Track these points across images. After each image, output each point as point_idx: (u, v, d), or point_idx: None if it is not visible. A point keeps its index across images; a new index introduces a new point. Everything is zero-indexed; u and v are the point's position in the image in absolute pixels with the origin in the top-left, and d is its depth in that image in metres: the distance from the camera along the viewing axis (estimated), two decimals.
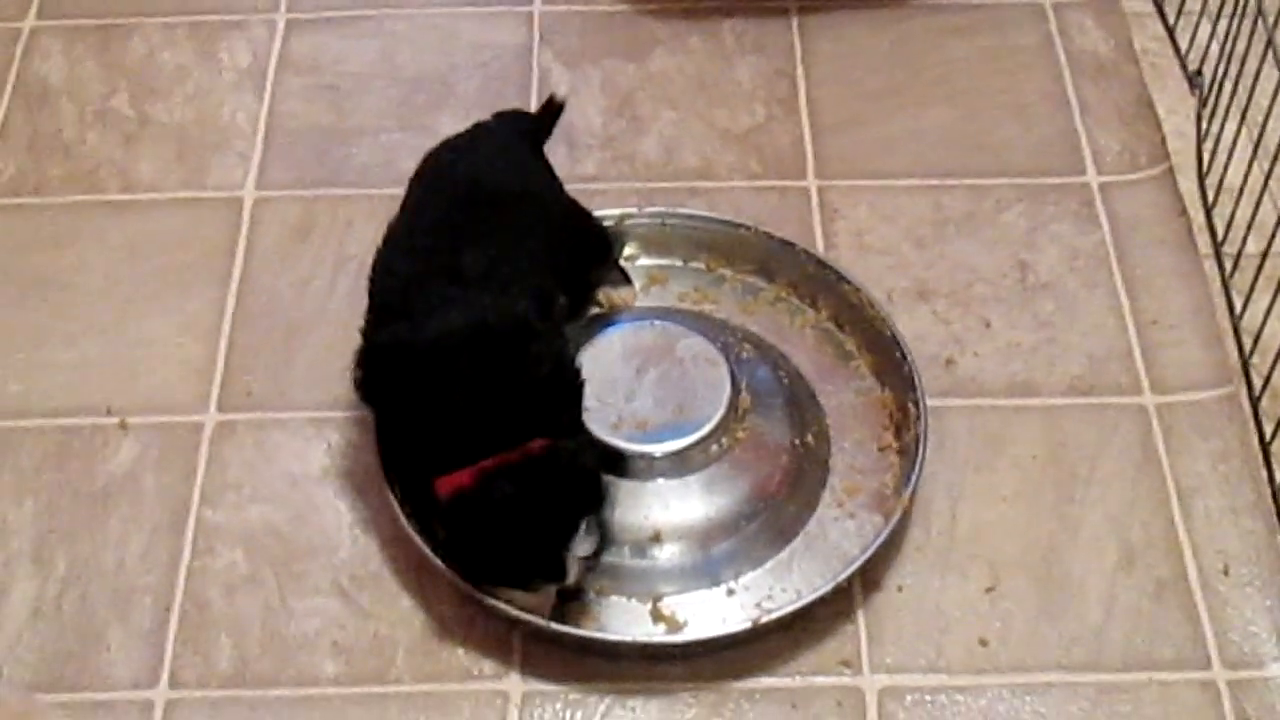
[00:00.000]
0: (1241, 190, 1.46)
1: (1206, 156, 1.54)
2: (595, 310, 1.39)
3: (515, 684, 1.22)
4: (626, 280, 1.41)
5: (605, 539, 1.19)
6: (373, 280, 1.28)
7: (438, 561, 1.22)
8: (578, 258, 1.36)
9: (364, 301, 1.28)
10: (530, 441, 1.16)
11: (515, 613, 1.20)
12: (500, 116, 1.40)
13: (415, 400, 1.20)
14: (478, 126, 1.38)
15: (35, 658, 1.23)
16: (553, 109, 1.40)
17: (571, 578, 1.18)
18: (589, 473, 1.19)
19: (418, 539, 1.23)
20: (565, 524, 1.16)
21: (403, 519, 1.24)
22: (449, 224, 1.27)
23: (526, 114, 1.40)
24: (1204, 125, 1.56)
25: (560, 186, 1.38)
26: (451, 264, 1.24)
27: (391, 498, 1.25)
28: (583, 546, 1.17)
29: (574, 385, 1.24)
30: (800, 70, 1.63)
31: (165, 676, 1.23)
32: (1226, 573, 1.28)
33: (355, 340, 1.26)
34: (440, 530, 1.20)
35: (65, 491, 1.32)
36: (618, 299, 1.39)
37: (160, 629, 1.25)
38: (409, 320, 1.22)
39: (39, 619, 1.25)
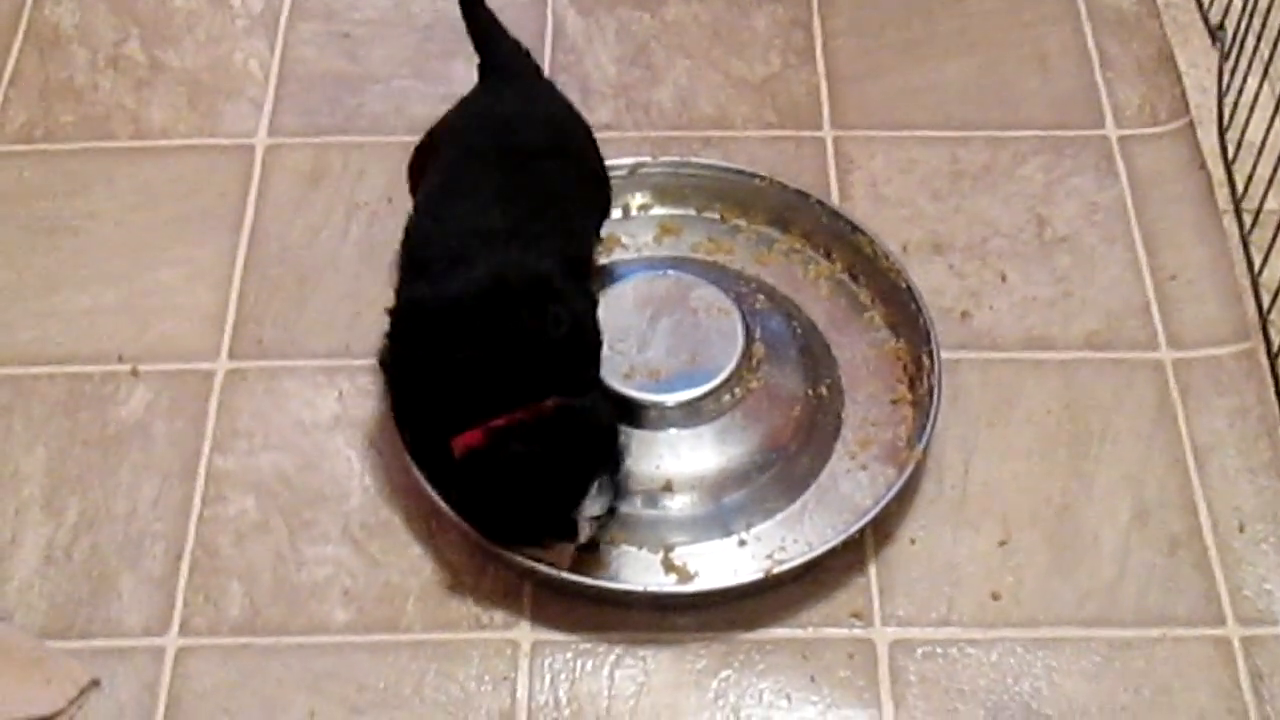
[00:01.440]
0: (1262, 145, 1.45)
1: (1227, 111, 1.52)
2: None
3: (526, 633, 1.22)
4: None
5: (619, 495, 1.19)
6: (404, 241, 1.27)
7: (449, 510, 1.21)
8: (596, 215, 1.35)
9: (374, 249, 1.27)
10: (543, 400, 1.15)
11: (527, 562, 1.20)
12: (493, 62, 1.35)
13: (431, 359, 1.19)
14: (486, 82, 1.35)
15: (46, 605, 1.23)
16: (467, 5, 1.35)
17: (583, 536, 1.18)
18: (602, 432, 1.18)
19: (429, 488, 1.22)
20: (576, 484, 1.15)
21: (414, 467, 1.23)
22: (473, 185, 1.26)
23: (506, 44, 1.36)
24: (1225, 79, 1.54)
25: (588, 133, 1.36)
26: (480, 223, 1.23)
27: (403, 446, 1.24)
28: (594, 506, 1.16)
29: (593, 345, 1.22)
30: (817, 20, 1.62)
31: (176, 624, 1.23)
32: (1242, 529, 1.27)
33: (366, 287, 1.25)
34: (454, 489, 1.20)
35: (76, 439, 1.32)
36: None
37: (171, 576, 1.25)
38: (432, 280, 1.21)
39: (50, 566, 1.25)
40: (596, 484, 1.16)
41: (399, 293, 1.25)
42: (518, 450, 1.14)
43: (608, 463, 1.17)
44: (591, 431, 1.17)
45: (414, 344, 1.21)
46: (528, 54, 1.37)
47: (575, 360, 1.20)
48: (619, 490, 1.19)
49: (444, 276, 1.20)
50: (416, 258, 1.25)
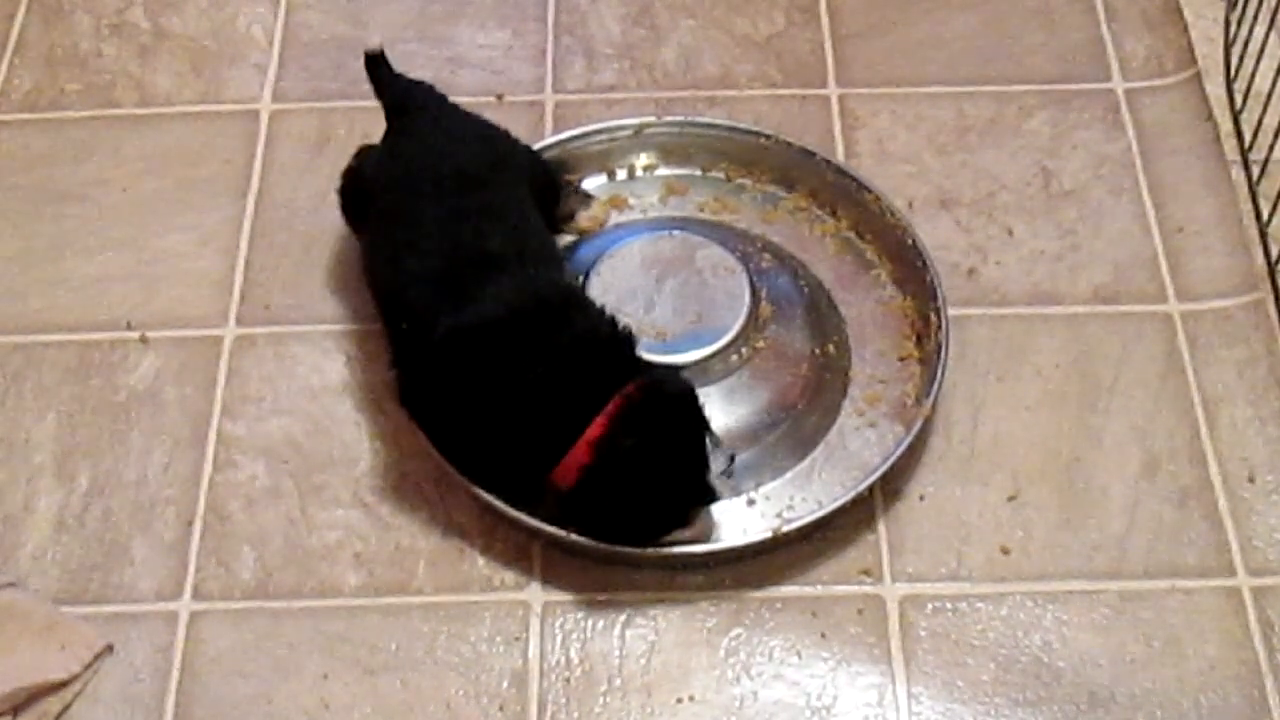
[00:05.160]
0: (1269, 95, 1.44)
1: (1234, 61, 1.52)
2: (571, 237, 1.38)
3: (536, 594, 1.22)
4: (588, 197, 1.40)
5: (724, 446, 1.20)
6: (392, 295, 1.24)
7: (457, 474, 1.22)
8: (548, 198, 1.35)
9: None
10: (622, 389, 1.15)
11: (535, 523, 1.20)
12: (404, 103, 1.34)
13: (492, 382, 1.16)
14: (402, 121, 1.33)
15: (60, 571, 1.24)
16: (371, 64, 1.35)
17: (722, 494, 1.19)
18: (692, 394, 1.18)
19: (437, 452, 1.23)
20: (699, 450, 1.16)
21: (420, 433, 1.23)
22: (450, 214, 1.24)
23: (411, 82, 1.36)
24: (1232, 29, 1.54)
25: (501, 132, 1.35)
26: (478, 250, 1.22)
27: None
28: (718, 463, 1.17)
29: (630, 331, 1.21)
30: None
31: (189, 588, 1.23)
32: (1251, 480, 1.27)
33: None
34: (577, 518, 1.19)
35: (87, 406, 1.33)
36: (597, 215, 1.39)
37: (183, 541, 1.26)
38: (461, 311, 1.19)
39: (63, 532, 1.26)
40: (710, 441, 1.17)
41: (416, 335, 1.20)
42: (635, 444, 1.14)
43: (706, 420, 1.18)
44: (685, 396, 1.17)
45: (471, 370, 1.17)
46: (430, 87, 1.36)
47: (626, 349, 1.20)
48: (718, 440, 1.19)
49: (472, 304, 1.18)
50: (424, 301, 1.21)
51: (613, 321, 1.21)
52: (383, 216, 1.29)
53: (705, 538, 1.22)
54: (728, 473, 1.19)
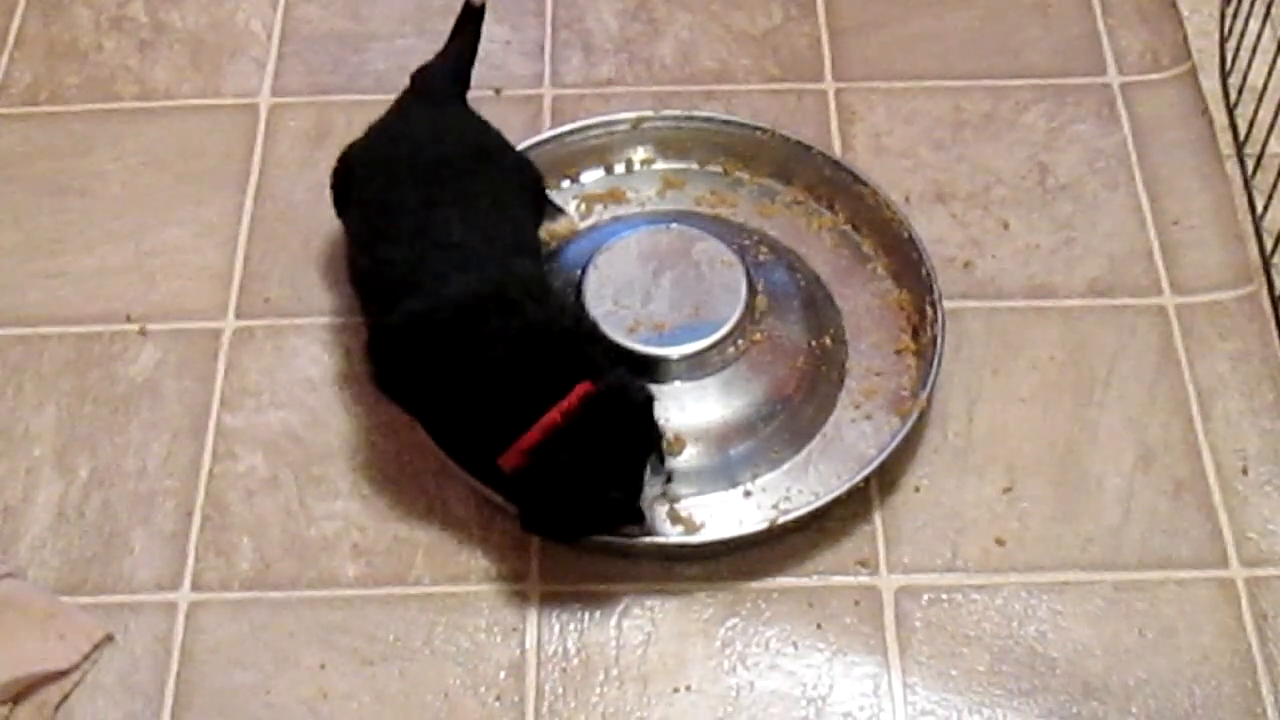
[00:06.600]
0: (1264, 90, 1.45)
1: (1229, 56, 1.52)
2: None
3: (534, 585, 1.23)
4: (560, 210, 1.39)
5: (666, 466, 1.19)
6: (365, 277, 1.25)
7: (456, 465, 1.22)
8: (530, 201, 1.33)
9: None
10: (573, 390, 1.14)
11: None
12: (419, 84, 1.35)
13: (443, 369, 1.17)
14: (401, 104, 1.34)
15: (60, 561, 1.25)
16: (471, 13, 1.35)
17: (648, 519, 1.19)
18: (639, 409, 1.16)
19: (437, 446, 1.23)
20: (631, 478, 1.16)
21: (421, 428, 1.24)
22: (423, 202, 1.24)
23: (442, 67, 1.36)
24: (1227, 24, 1.54)
25: (494, 132, 1.34)
26: (442, 237, 1.22)
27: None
28: (653, 487, 1.17)
29: (593, 326, 1.22)
30: None
31: (188, 579, 1.24)
32: (1245, 472, 1.28)
33: None
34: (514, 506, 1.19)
35: (86, 398, 1.33)
36: (560, 230, 1.38)
37: (182, 532, 1.26)
38: (427, 294, 1.19)
39: (63, 523, 1.26)
40: (650, 465, 1.16)
41: (381, 318, 1.22)
42: (565, 461, 1.14)
43: (654, 440, 1.17)
44: (629, 414, 1.16)
45: (424, 359, 1.18)
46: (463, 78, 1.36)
47: (578, 345, 1.20)
48: (664, 456, 1.19)
49: (436, 290, 1.19)
50: (392, 286, 1.21)
51: (574, 316, 1.21)
52: (360, 203, 1.29)
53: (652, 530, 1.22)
54: (664, 491, 1.20)
